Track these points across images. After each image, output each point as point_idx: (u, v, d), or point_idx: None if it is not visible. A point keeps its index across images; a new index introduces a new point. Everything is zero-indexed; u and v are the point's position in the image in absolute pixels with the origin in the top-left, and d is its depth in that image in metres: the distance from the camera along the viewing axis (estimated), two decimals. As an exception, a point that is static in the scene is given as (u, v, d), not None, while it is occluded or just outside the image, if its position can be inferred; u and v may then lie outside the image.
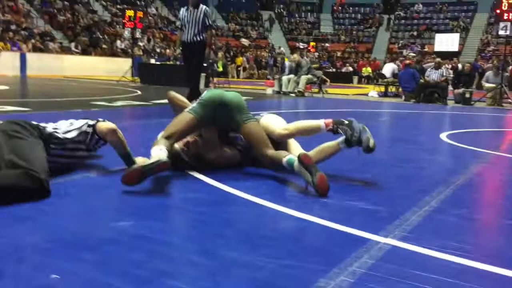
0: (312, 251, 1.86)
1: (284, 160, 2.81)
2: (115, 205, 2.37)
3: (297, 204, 2.49)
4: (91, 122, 3.09)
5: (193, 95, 6.67)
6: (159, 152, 2.67)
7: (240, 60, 28.26)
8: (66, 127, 3.04)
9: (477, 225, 2.36)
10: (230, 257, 1.74)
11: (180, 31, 7.39)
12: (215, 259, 1.72)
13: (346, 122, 2.97)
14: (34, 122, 2.88)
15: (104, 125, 3.01)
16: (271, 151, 2.99)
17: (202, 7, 7.07)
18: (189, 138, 3.12)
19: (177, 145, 3.10)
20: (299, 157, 2.67)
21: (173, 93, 3.48)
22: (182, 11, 7.16)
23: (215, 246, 1.85)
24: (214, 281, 1.56)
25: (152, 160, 2.59)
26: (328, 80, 20.01)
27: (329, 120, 3.03)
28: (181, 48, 7.41)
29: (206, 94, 3.14)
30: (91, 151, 3.26)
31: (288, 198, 2.63)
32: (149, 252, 1.77)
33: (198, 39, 6.97)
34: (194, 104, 3.12)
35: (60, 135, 2.92)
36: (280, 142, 3.19)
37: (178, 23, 7.68)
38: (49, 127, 2.94)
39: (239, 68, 27.72)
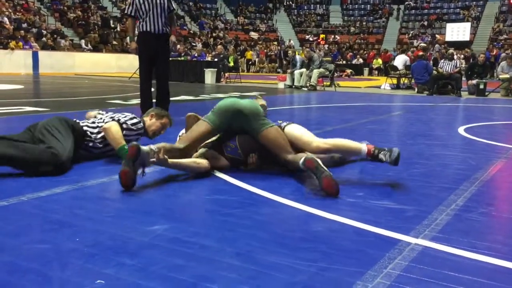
0: (345, 253, 1.89)
1: (300, 162, 2.85)
2: (146, 208, 2.42)
3: (324, 204, 2.53)
4: (123, 120, 3.46)
5: (166, 94, 6.15)
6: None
7: (249, 53, 28.23)
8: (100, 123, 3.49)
9: (504, 223, 2.38)
10: (268, 261, 1.78)
11: (132, 19, 5.83)
12: (253, 262, 1.77)
13: (386, 149, 3.00)
14: (74, 119, 3.44)
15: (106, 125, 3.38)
16: (291, 155, 3.05)
17: None
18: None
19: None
20: (303, 161, 2.73)
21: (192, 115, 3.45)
22: None
23: (252, 249, 1.89)
24: (255, 284, 1.60)
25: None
26: (348, 71, 20.28)
27: (371, 146, 3.04)
28: (136, 39, 5.84)
29: (219, 103, 3.19)
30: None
31: (314, 199, 2.66)
32: (187, 256, 1.82)
33: (167, 30, 5.80)
34: (209, 113, 3.17)
35: (93, 135, 3.43)
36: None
37: (129, 9, 5.76)
38: (85, 124, 3.47)
39: (249, 62, 27.69)
